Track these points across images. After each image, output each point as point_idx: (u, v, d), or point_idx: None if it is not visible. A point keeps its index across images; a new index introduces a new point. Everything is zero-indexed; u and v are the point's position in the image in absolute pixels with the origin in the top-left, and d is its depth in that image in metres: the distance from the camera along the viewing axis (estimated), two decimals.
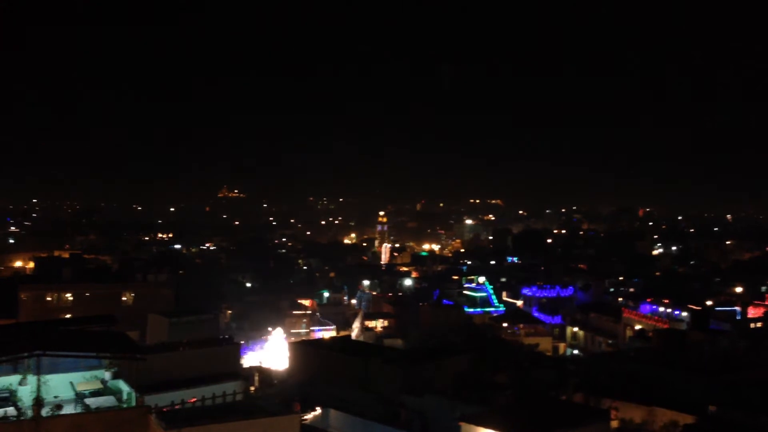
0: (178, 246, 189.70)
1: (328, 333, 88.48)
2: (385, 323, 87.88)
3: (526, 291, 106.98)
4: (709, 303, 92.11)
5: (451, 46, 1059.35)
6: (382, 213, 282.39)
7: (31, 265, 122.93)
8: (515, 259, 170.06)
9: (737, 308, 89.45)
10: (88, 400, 27.68)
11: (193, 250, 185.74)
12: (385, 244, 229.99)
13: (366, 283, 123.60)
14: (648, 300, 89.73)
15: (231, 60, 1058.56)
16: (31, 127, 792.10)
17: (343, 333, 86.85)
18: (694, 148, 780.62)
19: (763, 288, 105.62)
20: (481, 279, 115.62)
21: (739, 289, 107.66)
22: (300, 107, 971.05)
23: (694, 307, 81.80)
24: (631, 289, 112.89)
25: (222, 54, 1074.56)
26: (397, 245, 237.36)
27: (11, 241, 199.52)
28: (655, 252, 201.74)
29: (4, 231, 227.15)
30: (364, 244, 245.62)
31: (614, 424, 35.58)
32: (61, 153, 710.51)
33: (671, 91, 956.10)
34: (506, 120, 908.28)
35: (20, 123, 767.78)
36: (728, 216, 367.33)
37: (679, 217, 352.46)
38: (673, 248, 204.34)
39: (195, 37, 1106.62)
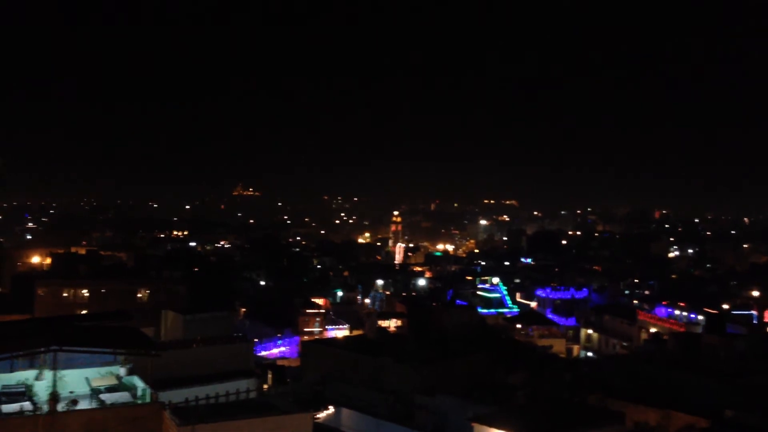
0: (193, 243, 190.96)
1: (341, 332, 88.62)
2: (399, 323, 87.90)
3: (540, 292, 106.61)
4: (725, 306, 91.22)
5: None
6: (396, 213, 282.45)
7: (48, 260, 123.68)
8: (529, 260, 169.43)
9: (754, 312, 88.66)
10: (104, 396, 27.81)
11: (208, 247, 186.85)
12: (399, 244, 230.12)
13: (380, 282, 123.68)
14: (663, 303, 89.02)
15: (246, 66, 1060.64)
16: (50, 125, 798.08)
17: (356, 332, 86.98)
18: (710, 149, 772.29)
19: None
20: (495, 280, 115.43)
21: (755, 293, 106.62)
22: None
23: (710, 311, 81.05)
24: (647, 292, 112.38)
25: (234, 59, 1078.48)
26: (411, 245, 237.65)
27: (28, 236, 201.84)
28: (670, 254, 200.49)
29: (21, 227, 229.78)
30: (378, 244, 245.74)
31: (628, 426, 35.34)
32: (78, 150, 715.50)
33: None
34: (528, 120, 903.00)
35: (41, 120, 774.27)
36: (745, 219, 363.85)
37: (696, 220, 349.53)
38: (689, 251, 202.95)
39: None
